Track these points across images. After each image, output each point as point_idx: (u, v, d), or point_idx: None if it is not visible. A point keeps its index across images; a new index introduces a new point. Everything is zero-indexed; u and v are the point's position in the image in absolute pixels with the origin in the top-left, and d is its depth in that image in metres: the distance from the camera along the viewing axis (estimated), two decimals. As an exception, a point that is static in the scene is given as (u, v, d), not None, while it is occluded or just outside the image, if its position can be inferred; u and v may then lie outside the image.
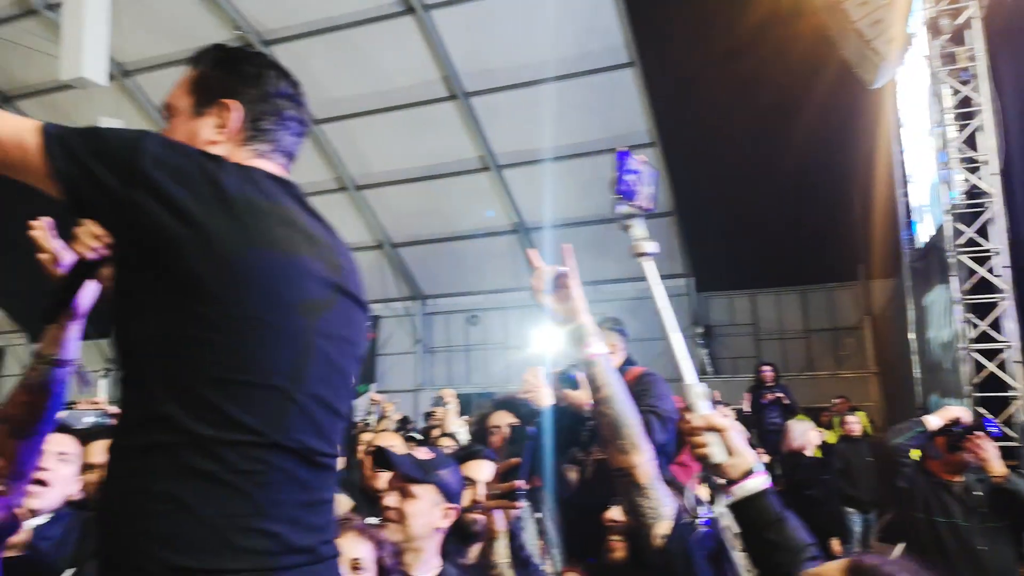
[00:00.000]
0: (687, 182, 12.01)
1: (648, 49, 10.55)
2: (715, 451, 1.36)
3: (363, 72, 11.58)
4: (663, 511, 1.53)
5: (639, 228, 1.70)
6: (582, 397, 2.77)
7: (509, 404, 3.15)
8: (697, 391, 1.43)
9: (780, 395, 8.62)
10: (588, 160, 12.23)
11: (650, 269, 1.69)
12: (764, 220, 10.92)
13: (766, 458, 6.30)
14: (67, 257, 1.49)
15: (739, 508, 1.32)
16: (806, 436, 5.73)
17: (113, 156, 1.13)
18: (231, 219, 1.17)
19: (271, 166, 1.36)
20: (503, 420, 3.06)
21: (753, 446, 6.22)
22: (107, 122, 10.43)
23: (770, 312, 13.35)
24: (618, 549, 1.81)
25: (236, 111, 1.32)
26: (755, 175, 10.72)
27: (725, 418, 1.38)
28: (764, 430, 8.48)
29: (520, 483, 1.92)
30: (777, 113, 9.85)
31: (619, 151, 1.73)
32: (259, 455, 1.13)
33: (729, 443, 1.36)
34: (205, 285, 1.13)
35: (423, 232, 13.97)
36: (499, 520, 1.97)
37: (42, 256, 1.46)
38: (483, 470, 2.31)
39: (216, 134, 1.32)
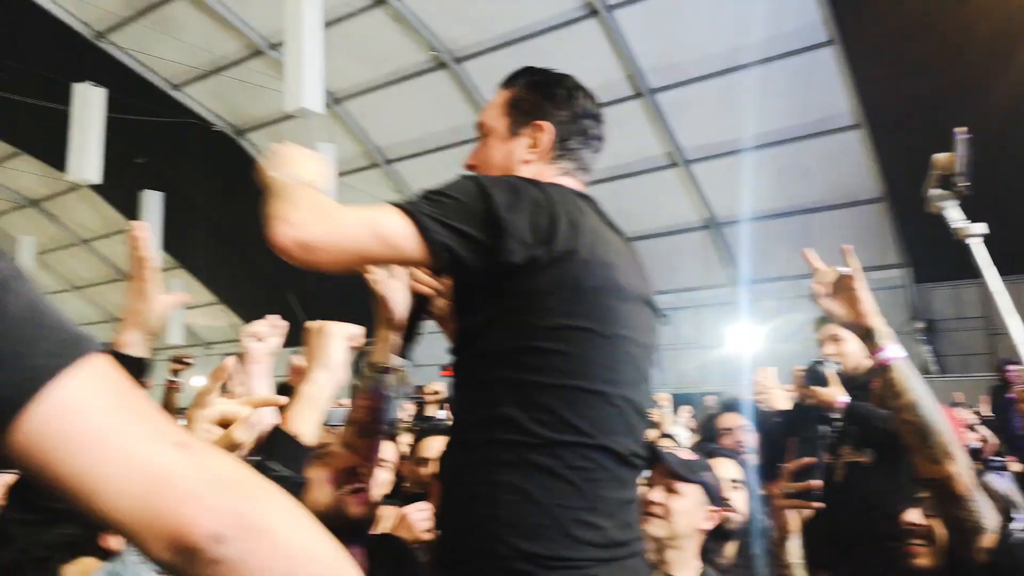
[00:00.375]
0: (899, 164, 11.01)
1: (850, 24, 9.81)
2: None
3: (549, 78, 11.82)
4: (985, 522, 1.45)
5: (956, 211, 1.69)
6: (832, 395, 2.65)
7: (738, 405, 3.12)
8: None
9: None
10: (783, 148, 11.62)
11: (980, 251, 1.70)
12: (995, 199, 9.73)
13: (1017, 467, 5.63)
14: (398, 293, 1.63)
15: None
16: None
17: (472, 213, 1.21)
18: (568, 241, 1.25)
19: (574, 183, 1.46)
20: (734, 422, 3.02)
21: (1000, 454, 5.59)
22: (322, 147, 11.51)
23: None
24: (922, 555, 1.72)
25: (548, 132, 1.42)
26: (982, 151, 9.61)
27: None
28: (1012, 435, 7.56)
29: (817, 483, 1.91)
30: (1005, 79, 8.79)
31: (955, 130, 1.69)
32: (588, 454, 1.22)
33: None
34: (551, 304, 1.23)
35: (612, 232, 13.98)
36: (793, 520, 1.97)
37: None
38: (726, 469, 2.33)
39: (529, 154, 1.43)
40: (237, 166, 15.48)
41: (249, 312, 19.84)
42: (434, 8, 11.21)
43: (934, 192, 1.72)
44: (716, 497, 2.07)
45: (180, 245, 17.63)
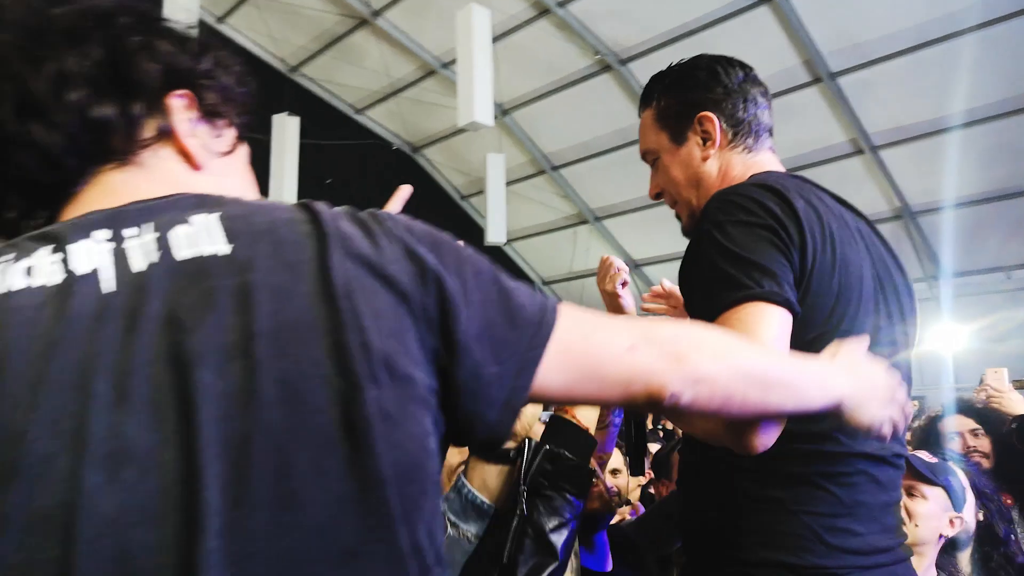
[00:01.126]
0: None
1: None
2: None
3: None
4: None
5: None
6: None
7: (968, 408, 2.94)
8: None
9: None
10: (987, 126, 10.50)
11: None
12: None
13: None
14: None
15: None
16: None
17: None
18: (818, 243, 1.18)
19: (769, 157, 1.39)
20: (964, 425, 2.85)
21: None
22: (493, 159, 11.88)
23: None
24: None
25: (711, 120, 1.35)
26: None
27: None
28: None
29: None
30: None
31: None
32: (846, 460, 1.19)
33: None
34: (813, 314, 1.17)
35: (792, 227, 13.30)
36: None
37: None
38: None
39: (706, 150, 1.36)
40: (413, 182, 16.30)
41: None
42: (599, 10, 11.23)
43: None
44: (959, 502, 2.02)
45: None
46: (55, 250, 0.61)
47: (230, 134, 0.80)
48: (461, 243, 0.78)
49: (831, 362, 0.96)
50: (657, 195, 1.44)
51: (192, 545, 0.50)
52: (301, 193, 11.38)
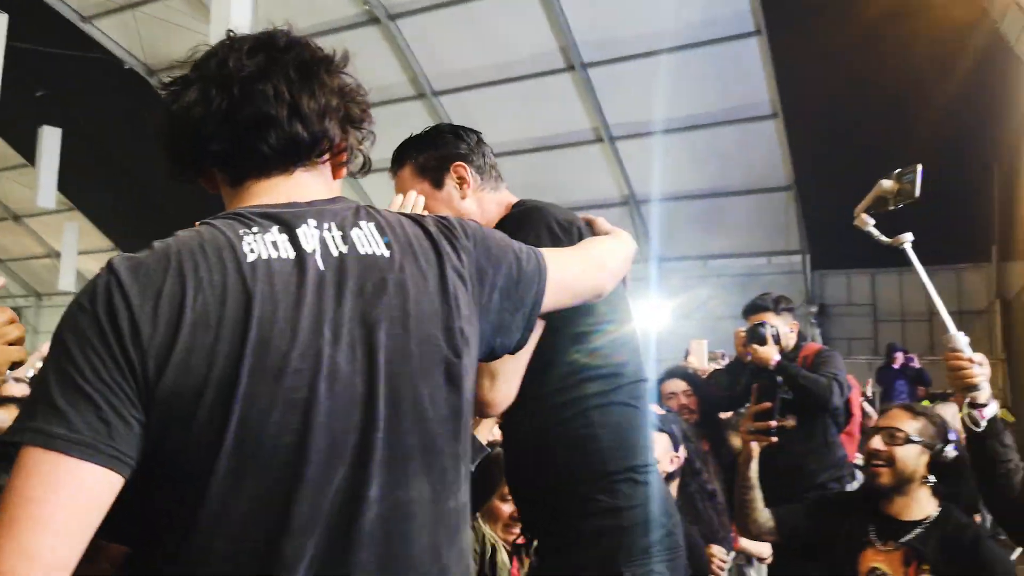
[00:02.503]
0: (809, 156, 11.71)
1: (776, 16, 10.28)
2: (981, 379, 1.88)
3: (482, 44, 11.81)
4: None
5: (875, 228, 2.20)
6: (769, 353, 3.03)
7: (682, 374, 3.45)
8: (964, 340, 1.99)
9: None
10: (705, 132, 12.10)
11: (912, 255, 2.24)
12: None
13: None
14: None
15: (988, 426, 1.86)
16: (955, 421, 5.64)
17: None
18: None
19: (508, 194, 1.68)
20: (677, 387, 3.35)
21: None
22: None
23: (891, 292, 12.91)
24: (883, 474, 2.12)
25: (464, 168, 1.59)
26: (883, 151, 10.34)
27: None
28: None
29: (773, 423, 2.30)
30: (912, 88, 9.47)
31: (918, 167, 2.11)
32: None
33: (984, 377, 1.85)
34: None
35: (534, 203, 14.17)
36: (754, 448, 2.35)
37: None
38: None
39: (463, 191, 1.59)
40: (147, 107, 14.67)
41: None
42: (371, -39, 10.96)
43: (867, 212, 2.16)
44: (677, 445, 2.59)
45: (78, 187, 16.65)
46: (283, 231, 0.91)
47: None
48: (496, 233, 1.14)
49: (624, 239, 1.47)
50: None
51: (368, 432, 0.87)
52: (3, 102, 9.73)
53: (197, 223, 0.94)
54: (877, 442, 2.13)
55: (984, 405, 1.89)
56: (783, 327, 3.30)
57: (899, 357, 9.50)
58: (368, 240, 0.95)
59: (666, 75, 11.33)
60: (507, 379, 1.33)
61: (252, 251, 0.87)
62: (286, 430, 0.81)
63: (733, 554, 2.90)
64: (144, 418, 0.78)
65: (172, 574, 0.81)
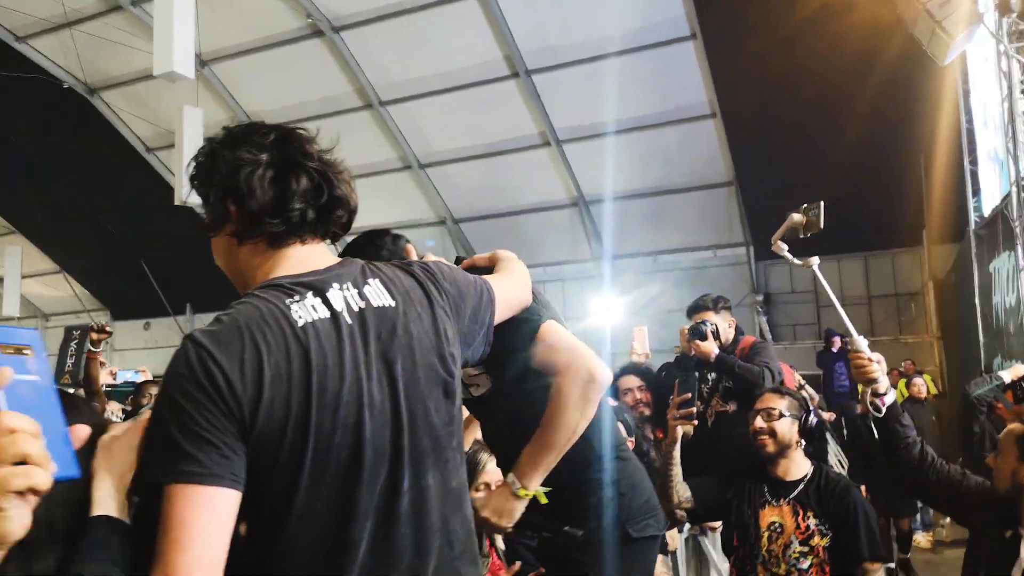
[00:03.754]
0: (748, 153, 12.16)
1: (710, 20, 10.69)
2: (880, 375, 2.21)
3: (427, 54, 11.97)
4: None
5: (789, 253, 2.59)
6: (710, 348, 3.34)
7: (635, 370, 3.70)
8: (863, 342, 2.28)
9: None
10: (648, 133, 12.45)
11: (820, 275, 2.58)
12: (825, 189, 11.00)
13: (829, 415, 6.61)
14: None
15: (888, 411, 2.22)
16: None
17: None
18: None
19: None
20: (633, 383, 3.61)
21: (823, 409, 6.73)
22: (190, 112, 11.05)
23: (831, 279, 13.34)
24: (768, 444, 2.57)
25: None
26: (817, 145, 10.84)
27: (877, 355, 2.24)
28: (832, 393, 8.84)
29: (693, 409, 2.62)
30: (841, 84, 9.96)
31: (821, 203, 2.47)
32: None
33: (882, 372, 2.21)
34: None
35: (485, 207, 14.38)
36: (679, 431, 2.66)
37: None
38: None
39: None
40: (87, 126, 14.47)
41: (96, 281, 18.65)
42: (313, -26, 11.03)
43: (781, 240, 2.53)
44: (631, 433, 2.91)
45: (18, 209, 16.27)
46: (316, 295, 1.17)
47: None
48: (459, 272, 1.43)
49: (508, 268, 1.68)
50: None
51: (398, 441, 1.16)
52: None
53: (243, 296, 1.18)
54: (759, 422, 2.59)
55: (884, 394, 2.24)
56: (722, 324, 3.63)
57: (836, 341, 10.03)
58: (378, 295, 1.22)
59: (608, 79, 11.65)
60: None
61: (300, 317, 1.13)
62: (344, 447, 1.11)
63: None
64: (245, 450, 1.06)
65: (271, 560, 1.09)
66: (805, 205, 2.53)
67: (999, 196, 7.34)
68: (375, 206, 14.56)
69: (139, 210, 15.41)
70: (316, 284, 1.18)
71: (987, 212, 8.50)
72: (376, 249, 1.80)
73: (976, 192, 9.17)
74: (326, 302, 1.17)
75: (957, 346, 11.17)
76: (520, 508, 1.63)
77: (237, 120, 13.66)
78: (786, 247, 2.57)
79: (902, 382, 7.85)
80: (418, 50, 11.92)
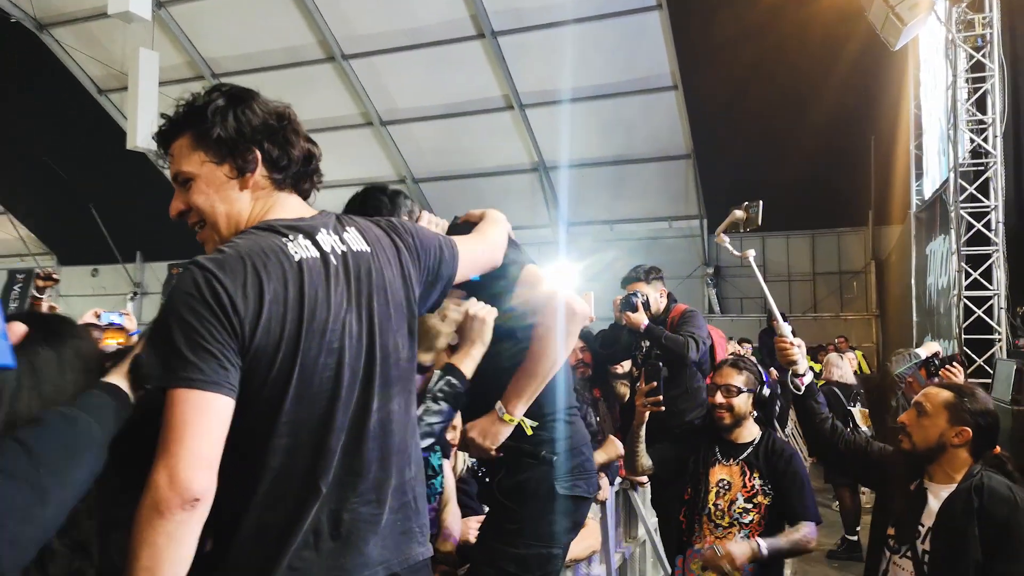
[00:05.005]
0: (706, 127, 12.34)
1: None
2: (799, 358, 2.53)
3: (393, 9, 11.80)
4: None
5: (732, 244, 2.91)
6: (640, 319, 3.51)
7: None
8: (787, 328, 2.60)
9: None
10: (610, 101, 12.52)
11: (755, 268, 2.89)
12: (779, 165, 11.32)
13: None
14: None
15: (806, 390, 2.54)
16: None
17: None
18: None
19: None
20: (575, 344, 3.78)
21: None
22: (146, 55, 10.75)
23: (779, 254, 13.83)
24: (726, 417, 2.78)
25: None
26: (775, 124, 11.06)
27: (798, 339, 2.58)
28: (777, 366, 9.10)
29: (660, 396, 2.85)
30: (804, 67, 10.16)
31: (759, 201, 2.86)
32: None
33: (801, 355, 2.55)
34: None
35: (445, 168, 14.36)
36: (646, 414, 2.89)
37: None
38: None
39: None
40: (36, 63, 13.92)
41: (42, 225, 18.11)
42: (277, -80, 10.73)
43: (725, 234, 2.91)
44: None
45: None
46: (307, 238, 1.33)
47: None
48: (424, 228, 1.58)
49: (490, 225, 1.80)
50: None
51: (370, 368, 1.33)
52: None
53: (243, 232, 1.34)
54: (719, 397, 2.78)
55: (803, 375, 2.57)
56: (653, 294, 3.82)
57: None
58: (355, 241, 1.40)
59: (573, 46, 11.66)
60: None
61: (295, 253, 1.29)
62: (327, 368, 1.27)
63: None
64: (242, 364, 1.20)
65: (259, 462, 1.24)
66: (746, 203, 2.86)
67: (940, 181, 7.66)
68: (335, 162, 14.39)
69: (89, 153, 14.96)
70: (305, 228, 1.35)
71: (928, 196, 8.85)
72: (377, 204, 1.87)
73: (920, 176, 9.52)
74: (316, 243, 1.33)
75: (894, 325, 11.66)
76: (505, 432, 1.77)
77: (194, 65, 13.36)
78: (727, 239, 2.92)
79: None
80: (383, 4, 11.75)
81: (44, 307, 3.84)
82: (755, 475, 2.70)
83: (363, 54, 12.66)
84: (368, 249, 1.39)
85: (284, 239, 1.30)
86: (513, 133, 13.40)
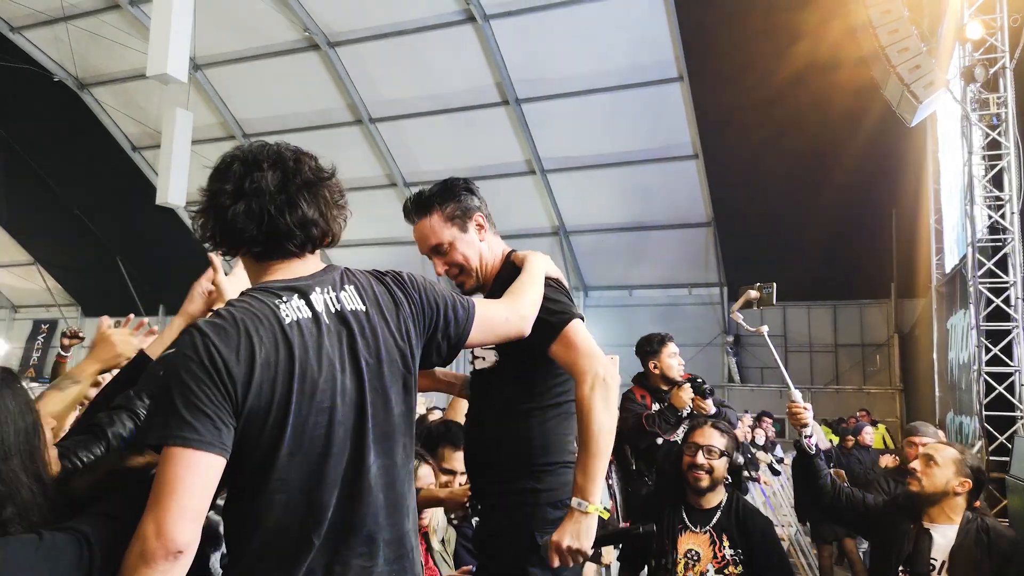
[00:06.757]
0: (727, 195, 12.43)
1: (697, 64, 10.99)
2: (808, 419, 2.71)
3: (420, 76, 12.16)
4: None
5: (745, 321, 3.13)
6: (710, 406, 3.54)
7: None
8: (798, 394, 2.79)
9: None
10: (631, 169, 12.69)
11: (769, 341, 3.06)
12: (800, 236, 11.33)
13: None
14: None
15: (809, 452, 2.71)
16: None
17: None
18: None
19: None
20: None
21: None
22: (182, 115, 11.14)
23: (800, 325, 13.70)
24: (703, 480, 2.69)
25: (480, 216, 1.96)
26: (796, 194, 11.11)
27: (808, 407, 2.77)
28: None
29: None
30: (823, 139, 10.26)
31: (773, 284, 3.02)
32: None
33: (810, 418, 2.74)
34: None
35: (467, 230, 14.47)
36: None
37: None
38: None
39: (481, 235, 1.97)
40: (75, 121, 14.46)
41: (69, 276, 18.49)
42: (314, -11, 11.20)
43: (739, 311, 3.07)
44: None
45: (-3, 198, 16.16)
46: (301, 298, 1.37)
47: None
48: (434, 284, 1.58)
49: (530, 279, 1.83)
50: (459, 268, 1.99)
51: (362, 424, 1.36)
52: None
53: (241, 294, 1.38)
54: (700, 457, 2.70)
55: (811, 436, 2.75)
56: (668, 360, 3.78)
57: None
58: (351, 299, 1.43)
59: (596, 114, 11.91)
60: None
61: (287, 315, 1.34)
62: (319, 426, 1.32)
63: None
64: (236, 424, 1.26)
65: (254, 516, 1.29)
66: (759, 284, 3.00)
67: (959, 255, 7.60)
68: (360, 221, 14.63)
69: (120, 208, 15.38)
70: (300, 287, 1.39)
71: (948, 270, 8.77)
72: (451, 193, 1.93)
73: (940, 250, 9.46)
74: (309, 304, 1.38)
75: (917, 399, 11.41)
76: (594, 525, 1.69)
77: (227, 126, 13.79)
78: (741, 317, 3.07)
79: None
80: (411, 70, 12.11)
81: (68, 365, 3.91)
82: (724, 543, 2.61)
83: (389, 118, 13.00)
84: (363, 308, 1.43)
85: (278, 300, 1.35)
86: (534, 197, 13.58)
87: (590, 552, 1.70)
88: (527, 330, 1.70)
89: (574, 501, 1.69)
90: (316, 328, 1.34)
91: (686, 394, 3.49)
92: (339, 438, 1.32)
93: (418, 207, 1.94)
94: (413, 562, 1.42)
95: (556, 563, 1.69)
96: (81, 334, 3.94)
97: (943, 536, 2.51)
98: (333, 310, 1.38)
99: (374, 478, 1.35)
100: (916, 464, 2.63)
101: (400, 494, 1.40)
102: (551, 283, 1.88)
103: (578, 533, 1.67)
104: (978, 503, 2.66)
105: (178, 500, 1.18)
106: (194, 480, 1.20)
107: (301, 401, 1.29)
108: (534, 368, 1.88)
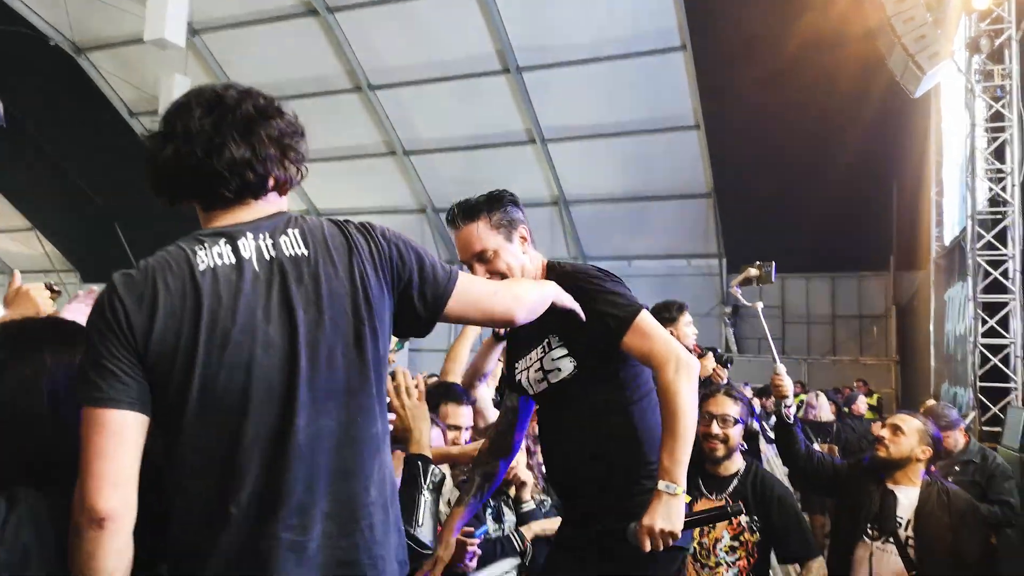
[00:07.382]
0: (728, 165, 12.37)
1: (700, 33, 10.86)
2: (789, 390, 2.99)
3: (420, 42, 12.02)
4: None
5: (743, 297, 3.33)
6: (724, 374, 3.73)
7: None
8: (782, 368, 3.06)
9: None
10: (632, 139, 12.61)
11: (762, 317, 3.39)
12: (800, 207, 11.30)
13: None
14: None
15: (787, 421, 3.00)
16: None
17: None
18: None
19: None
20: None
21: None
22: (181, 81, 11.04)
23: (799, 296, 13.74)
24: (719, 449, 2.77)
25: (525, 228, 2.00)
26: (797, 166, 11.07)
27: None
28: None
29: None
30: (826, 111, 10.19)
31: (774, 263, 3.22)
32: None
33: (790, 390, 3.06)
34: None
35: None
36: None
37: None
38: None
39: (524, 246, 1.98)
40: (72, 86, 14.31)
41: (67, 241, 18.44)
42: (311, -47, 11.02)
43: (739, 287, 3.33)
44: None
45: (-6, 164, 16.06)
46: (228, 243, 1.28)
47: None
48: (412, 241, 1.45)
49: (547, 286, 1.77)
50: (503, 276, 1.96)
51: (292, 381, 1.23)
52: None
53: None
54: (715, 427, 2.75)
55: (790, 406, 3.02)
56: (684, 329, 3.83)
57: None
58: (292, 244, 1.31)
59: (597, 83, 11.79)
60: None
61: (202, 262, 1.25)
62: (233, 382, 1.21)
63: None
64: (144, 376, 1.19)
65: (172, 483, 1.22)
66: (759, 262, 3.19)
67: (959, 228, 7.61)
68: (357, 190, 14.59)
69: (117, 174, 15.26)
70: (229, 232, 1.29)
71: (948, 242, 8.79)
72: (498, 202, 1.95)
73: (940, 223, 9.47)
74: (235, 249, 1.27)
75: (913, 370, 11.50)
76: (683, 507, 1.72)
77: (224, 92, 13.62)
78: (739, 291, 3.37)
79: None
80: (411, 37, 11.97)
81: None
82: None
83: (389, 85, 12.88)
84: (304, 252, 1.30)
85: (197, 247, 1.26)
86: (534, 166, 13.51)
87: (680, 534, 1.70)
88: (517, 312, 1.57)
89: (662, 484, 1.70)
90: (237, 275, 1.24)
91: (710, 363, 3.57)
92: (259, 396, 1.20)
93: (465, 213, 1.95)
94: (373, 538, 1.27)
95: (648, 547, 1.69)
96: (57, 288, 3.93)
97: (906, 497, 2.80)
98: (267, 257, 1.27)
99: (305, 441, 1.22)
100: (884, 432, 2.91)
101: (351, 460, 1.26)
102: (612, 276, 1.90)
103: (669, 515, 1.68)
104: (934, 468, 2.99)
105: (93, 468, 1.13)
106: (107, 441, 1.13)
107: (210, 353, 1.19)
108: (616, 364, 1.88)
